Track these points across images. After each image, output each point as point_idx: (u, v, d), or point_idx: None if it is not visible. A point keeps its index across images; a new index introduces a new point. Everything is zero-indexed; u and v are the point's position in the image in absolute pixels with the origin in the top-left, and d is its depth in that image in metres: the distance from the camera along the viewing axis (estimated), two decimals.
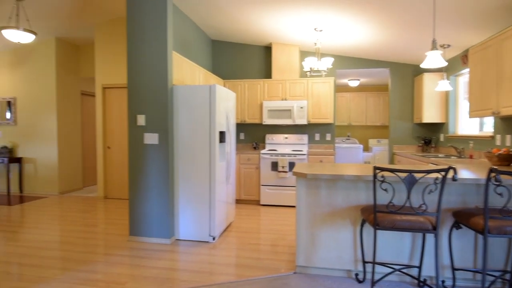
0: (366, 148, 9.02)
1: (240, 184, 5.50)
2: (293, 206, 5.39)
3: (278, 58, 5.74)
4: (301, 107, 5.48)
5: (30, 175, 6.45)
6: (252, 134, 6.18)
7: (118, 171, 6.01)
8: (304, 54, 5.94)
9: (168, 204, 3.61)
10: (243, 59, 6.15)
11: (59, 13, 5.04)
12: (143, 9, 3.58)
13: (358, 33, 4.60)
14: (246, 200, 5.56)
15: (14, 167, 6.49)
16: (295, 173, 2.74)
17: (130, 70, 3.67)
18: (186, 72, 4.18)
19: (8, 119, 6.46)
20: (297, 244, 2.85)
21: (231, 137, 4.22)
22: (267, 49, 6.06)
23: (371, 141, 8.92)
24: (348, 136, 9.16)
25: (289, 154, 5.28)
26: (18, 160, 6.37)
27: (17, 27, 3.99)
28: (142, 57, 3.63)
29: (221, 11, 4.54)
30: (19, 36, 4.08)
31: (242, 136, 6.21)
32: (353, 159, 8.19)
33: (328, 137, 5.89)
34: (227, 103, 4.02)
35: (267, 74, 6.07)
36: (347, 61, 5.89)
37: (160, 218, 3.63)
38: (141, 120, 3.64)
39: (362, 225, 2.60)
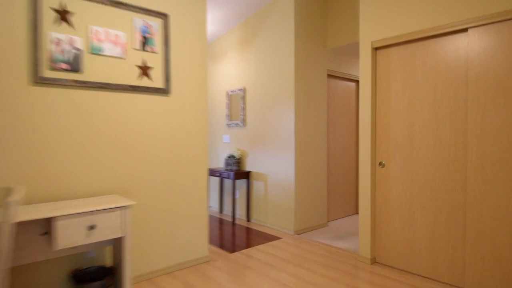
0: None
1: None
2: None
3: None
4: None
5: (260, 197, 4.51)
6: None
7: (401, 211, 2.98)
8: None
9: None
10: None
11: None
12: None
13: None
14: None
15: (241, 184, 4.79)
16: None
17: None
18: None
19: (239, 120, 4.82)
20: None
21: None
22: None
23: None
24: None
25: None
26: (246, 175, 4.58)
27: None
28: None
29: None
30: None
31: None
32: None
33: None
34: None
35: None
36: None
37: None
38: None
39: None
